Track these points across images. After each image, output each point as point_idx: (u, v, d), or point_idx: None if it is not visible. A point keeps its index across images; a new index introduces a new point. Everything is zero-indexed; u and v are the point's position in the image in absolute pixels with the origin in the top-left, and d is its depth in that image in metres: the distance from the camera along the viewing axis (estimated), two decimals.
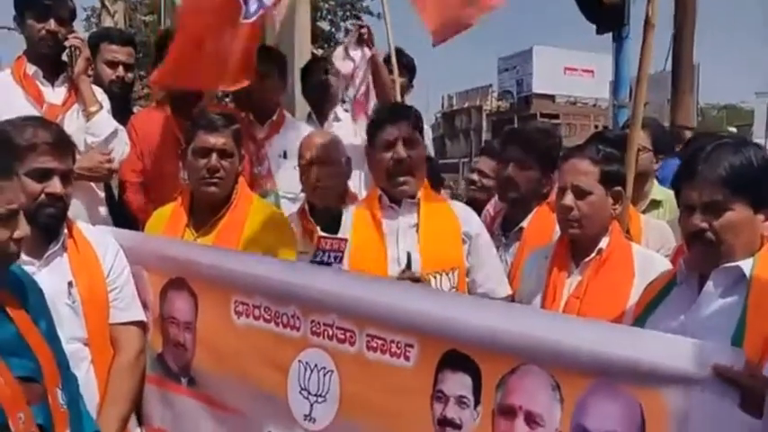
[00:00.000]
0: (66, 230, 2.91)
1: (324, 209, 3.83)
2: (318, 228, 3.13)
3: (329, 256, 3.04)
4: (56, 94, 4.08)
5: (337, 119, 5.15)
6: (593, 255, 3.01)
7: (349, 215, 3.43)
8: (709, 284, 2.33)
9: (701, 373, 1.93)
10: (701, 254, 2.36)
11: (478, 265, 3.33)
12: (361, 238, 3.28)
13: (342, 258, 3.06)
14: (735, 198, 2.29)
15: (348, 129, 4.86)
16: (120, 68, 4.73)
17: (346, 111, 5.28)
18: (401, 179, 3.31)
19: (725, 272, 2.31)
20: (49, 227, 2.82)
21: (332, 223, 3.38)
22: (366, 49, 4.76)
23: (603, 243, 3.02)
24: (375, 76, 4.81)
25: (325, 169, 3.85)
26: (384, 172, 3.34)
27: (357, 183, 4.65)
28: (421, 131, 3.42)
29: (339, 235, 3.23)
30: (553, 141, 4.04)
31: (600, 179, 2.99)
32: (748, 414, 1.92)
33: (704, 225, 2.31)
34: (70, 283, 2.85)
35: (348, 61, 4.77)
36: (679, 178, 2.44)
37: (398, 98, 4.83)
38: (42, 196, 2.75)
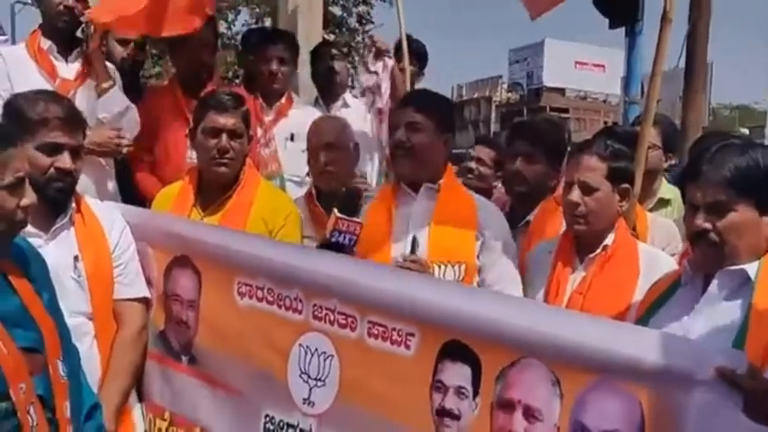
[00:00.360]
0: (74, 205, 2.92)
1: (330, 193, 3.84)
2: (335, 209, 3.14)
3: (344, 237, 3.05)
4: (69, 69, 4.07)
5: (346, 105, 5.15)
6: (598, 251, 3.00)
7: (368, 199, 3.46)
8: (714, 285, 2.32)
9: (702, 375, 1.91)
10: (705, 254, 2.35)
11: (490, 264, 3.23)
12: (369, 218, 3.29)
13: (356, 241, 3.06)
14: (739, 199, 2.27)
15: (358, 115, 4.86)
16: (132, 46, 4.72)
17: (355, 97, 5.28)
18: (398, 161, 3.32)
19: (729, 274, 2.30)
20: (58, 201, 2.84)
21: (344, 206, 3.38)
22: (387, 59, 4.79)
23: (609, 239, 3.00)
24: (392, 84, 4.84)
25: (334, 154, 3.85)
26: (390, 154, 3.39)
27: (369, 169, 4.68)
28: (437, 118, 3.30)
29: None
30: (561, 135, 4.02)
31: (607, 175, 2.98)
32: (752, 420, 1.89)
33: (707, 225, 2.30)
34: (76, 257, 2.87)
35: (371, 75, 4.79)
36: (684, 177, 2.43)
37: (408, 86, 4.82)
38: (51, 170, 2.77)
